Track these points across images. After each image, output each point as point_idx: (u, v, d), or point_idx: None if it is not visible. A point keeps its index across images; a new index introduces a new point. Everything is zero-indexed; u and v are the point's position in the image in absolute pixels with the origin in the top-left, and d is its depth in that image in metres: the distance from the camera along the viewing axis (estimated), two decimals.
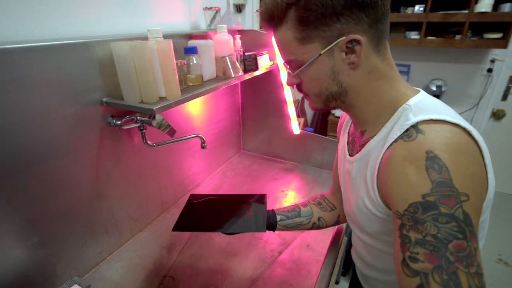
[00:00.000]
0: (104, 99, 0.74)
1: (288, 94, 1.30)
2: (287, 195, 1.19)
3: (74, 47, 0.66)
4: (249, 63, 1.15)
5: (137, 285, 0.76)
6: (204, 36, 1.01)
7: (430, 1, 1.82)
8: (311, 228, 0.72)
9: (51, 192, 0.67)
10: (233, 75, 1.01)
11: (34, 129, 0.62)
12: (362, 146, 0.52)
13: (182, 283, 0.76)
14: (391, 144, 0.43)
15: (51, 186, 0.67)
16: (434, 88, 2.09)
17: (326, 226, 0.73)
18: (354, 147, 0.56)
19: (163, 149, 1.00)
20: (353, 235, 0.63)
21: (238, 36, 1.11)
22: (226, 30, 1.03)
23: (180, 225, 0.68)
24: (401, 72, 2.52)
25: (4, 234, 0.60)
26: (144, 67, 0.71)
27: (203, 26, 1.22)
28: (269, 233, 0.95)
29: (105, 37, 0.73)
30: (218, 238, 0.93)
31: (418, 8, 1.94)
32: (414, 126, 0.41)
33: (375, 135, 0.49)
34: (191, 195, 0.79)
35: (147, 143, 0.86)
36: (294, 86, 0.53)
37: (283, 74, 1.27)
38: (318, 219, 0.72)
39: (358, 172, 0.53)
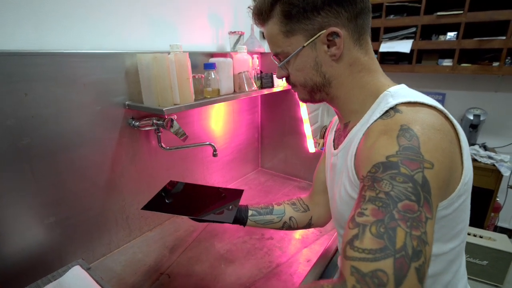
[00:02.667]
0: (127, 102, 0.84)
1: (304, 113, 1.33)
2: None
3: (110, 56, 0.78)
4: (266, 81, 1.22)
5: (135, 279, 0.79)
6: (225, 55, 1.11)
7: (462, 28, 1.77)
8: (282, 227, 0.71)
9: (72, 178, 0.76)
10: (246, 90, 1.08)
11: (66, 120, 0.73)
12: (346, 136, 0.53)
13: (176, 282, 0.78)
14: (371, 125, 0.45)
15: (72, 172, 0.76)
16: (471, 117, 1.94)
17: (297, 227, 0.72)
18: (340, 141, 0.57)
19: (177, 154, 1.07)
20: (338, 240, 0.61)
21: (256, 56, 1.20)
22: (245, 51, 1.13)
23: (151, 205, 0.69)
24: (436, 100, 2.41)
25: (27, 209, 0.69)
26: (163, 75, 0.80)
27: (228, 49, 1.33)
28: (270, 244, 0.94)
29: (134, 50, 0.85)
30: (219, 245, 0.94)
31: (451, 36, 1.89)
32: (393, 108, 0.43)
33: (357, 123, 0.50)
34: (170, 181, 0.82)
35: (162, 146, 0.94)
36: (284, 79, 0.57)
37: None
38: (290, 218, 0.71)
39: (342, 160, 0.53)
